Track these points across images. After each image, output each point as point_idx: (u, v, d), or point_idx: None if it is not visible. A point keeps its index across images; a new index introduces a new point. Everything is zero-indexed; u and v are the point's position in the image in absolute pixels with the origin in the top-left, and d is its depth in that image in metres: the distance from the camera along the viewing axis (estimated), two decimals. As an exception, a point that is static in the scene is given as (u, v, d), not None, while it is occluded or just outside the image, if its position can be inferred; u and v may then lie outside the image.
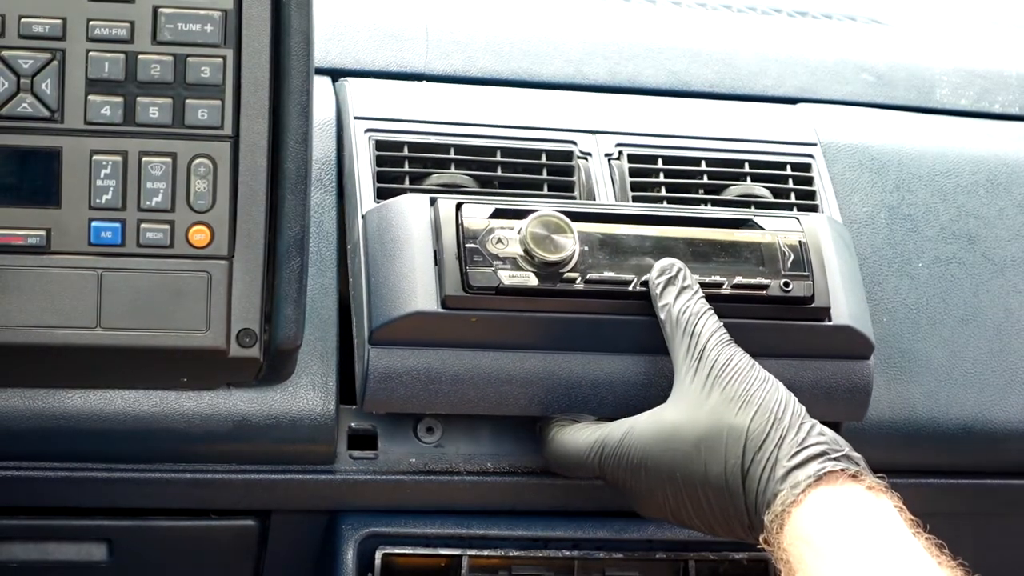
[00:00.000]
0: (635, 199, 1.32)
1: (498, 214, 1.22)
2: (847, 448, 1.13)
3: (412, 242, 1.21)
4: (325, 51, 1.39)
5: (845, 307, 1.27)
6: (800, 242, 1.26)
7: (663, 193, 1.33)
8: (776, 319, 1.26)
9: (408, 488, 1.30)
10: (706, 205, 1.33)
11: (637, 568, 1.35)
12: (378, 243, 1.23)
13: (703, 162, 1.37)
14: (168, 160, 1.13)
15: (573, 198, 1.31)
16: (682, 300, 1.20)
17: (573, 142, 1.34)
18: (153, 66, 1.12)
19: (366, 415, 1.29)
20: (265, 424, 1.25)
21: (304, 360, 1.24)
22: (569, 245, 1.20)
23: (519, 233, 1.20)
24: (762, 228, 1.27)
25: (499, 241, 1.20)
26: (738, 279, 1.24)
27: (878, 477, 1.11)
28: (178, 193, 1.13)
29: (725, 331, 1.20)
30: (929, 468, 1.41)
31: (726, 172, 1.36)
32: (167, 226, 1.13)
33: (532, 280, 1.20)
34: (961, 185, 1.46)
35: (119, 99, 1.12)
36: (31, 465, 1.24)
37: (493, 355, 1.23)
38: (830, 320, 1.26)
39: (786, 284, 1.24)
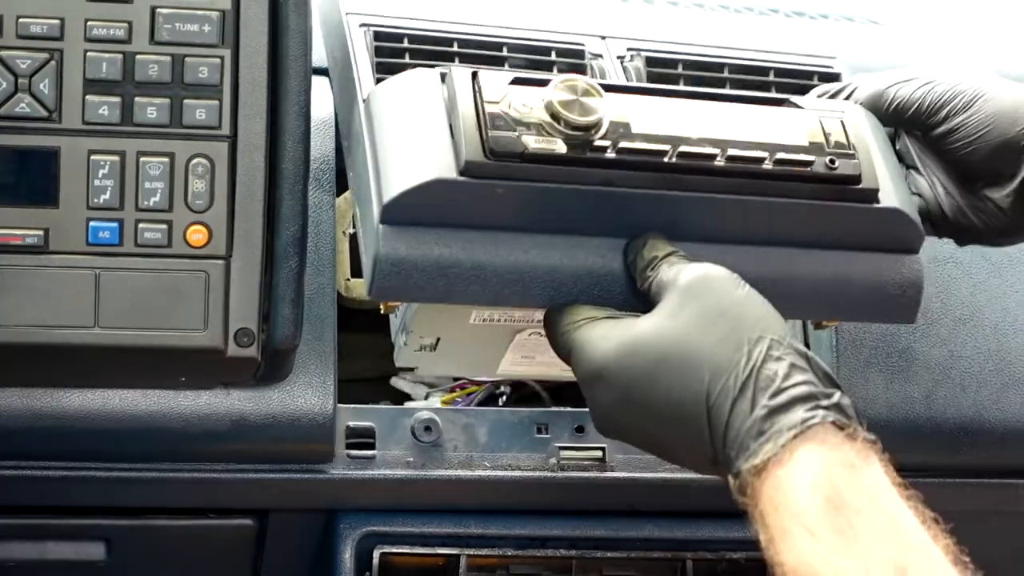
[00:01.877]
0: None
1: (518, 82, 1.12)
2: (837, 394, 0.99)
3: (424, 115, 1.09)
4: (323, 51, 1.39)
5: (893, 190, 1.16)
6: (842, 122, 1.16)
7: None
8: (822, 199, 1.13)
9: (406, 487, 1.30)
10: None
11: (635, 567, 1.36)
12: (384, 122, 1.11)
13: (726, 68, 1.28)
14: (166, 160, 1.13)
15: None
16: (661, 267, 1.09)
17: (582, 44, 1.26)
18: (151, 66, 1.12)
19: (364, 414, 1.30)
20: (263, 423, 1.25)
21: (302, 359, 1.24)
22: (600, 108, 1.09)
23: (544, 97, 1.10)
24: (801, 107, 1.18)
25: (523, 104, 1.08)
26: (780, 155, 1.13)
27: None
28: (176, 193, 1.13)
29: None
30: (927, 468, 1.41)
31: (750, 80, 1.27)
32: (165, 226, 1.13)
33: (561, 147, 1.08)
34: (959, 185, 1.45)
35: (117, 99, 1.12)
36: (29, 464, 1.25)
37: (518, 238, 1.10)
38: (879, 203, 1.14)
39: (832, 161, 1.13)
